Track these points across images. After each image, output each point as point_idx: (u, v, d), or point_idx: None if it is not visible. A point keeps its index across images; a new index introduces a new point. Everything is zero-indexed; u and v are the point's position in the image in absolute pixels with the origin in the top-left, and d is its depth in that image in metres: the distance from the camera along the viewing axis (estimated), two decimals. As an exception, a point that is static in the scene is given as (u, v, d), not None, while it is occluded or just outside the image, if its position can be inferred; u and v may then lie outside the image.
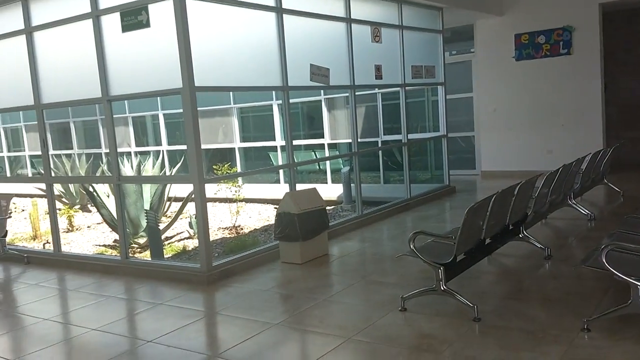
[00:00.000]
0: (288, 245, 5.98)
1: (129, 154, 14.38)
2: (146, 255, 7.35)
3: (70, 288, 5.90)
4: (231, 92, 12.37)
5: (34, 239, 9.29)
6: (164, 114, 14.04)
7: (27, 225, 10.06)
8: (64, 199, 11.39)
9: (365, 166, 11.43)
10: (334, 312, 4.58)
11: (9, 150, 18.23)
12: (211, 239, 8.11)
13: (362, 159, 10.64)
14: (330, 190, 10.92)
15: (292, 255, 5.97)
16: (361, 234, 7.31)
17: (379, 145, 11.35)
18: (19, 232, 9.97)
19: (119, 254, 6.33)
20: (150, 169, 8.96)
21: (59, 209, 10.29)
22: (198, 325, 4.49)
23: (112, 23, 5.76)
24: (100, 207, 7.91)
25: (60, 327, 4.68)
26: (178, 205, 8.76)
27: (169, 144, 14.10)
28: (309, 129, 13.11)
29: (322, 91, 11.59)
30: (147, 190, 8.09)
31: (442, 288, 4.26)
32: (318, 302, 4.76)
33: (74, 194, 11.43)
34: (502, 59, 11.04)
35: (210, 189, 9.70)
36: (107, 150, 15.04)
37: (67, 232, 9.71)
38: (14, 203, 12.97)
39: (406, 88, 8.75)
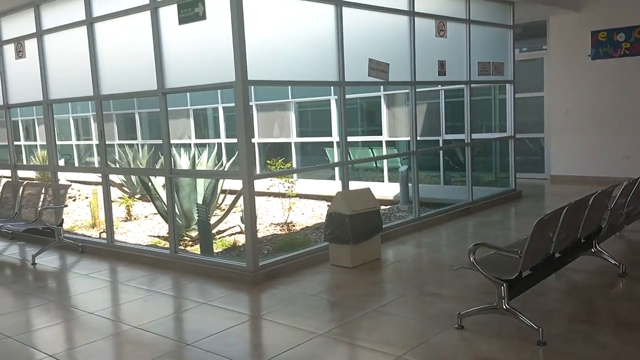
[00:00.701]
0: (338, 248, 5.72)
1: (188, 146, 14.54)
2: (197, 249, 7.29)
3: (119, 280, 5.87)
4: (289, 87, 12.22)
5: (93, 227, 9.46)
6: (223, 107, 14.08)
7: (88, 213, 10.29)
8: (125, 188, 11.59)
9: (425, 165, 11.00)
10: (384, 324, 4.29)
11: (78, 139, 18.87)
12: (262, 235, 8.07)
13: (421, 158, 10.25)
14: (387, 190, 10.58)
15: (342, 258, 5.71)
16: (417, 238, 6.95)
17: (441, 144, 10.89)
18: (79, 219, 10.19)
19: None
20: (205, 162, 8.90)
21: (120, 198, 10.50)
22: (239, 329, 4.30)
23: (169, 15, 5.67)
24: (155, 198, 7.92)
25: (103, 322, 4.60)
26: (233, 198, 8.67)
27: (227, 136, 14.14)
28: (367, 126, 12.78)
29: (381, 87, 11.24)
30: (201, 183, 8.03)
31: (504, 307, 3.89)
32: (367, 313, 4.48)
33: (135, 183, 11.61)
34: (576, 57, 10.32)
35: (264, 184, 9.60)
36: (172, 142, 15.40)
37: (125, 221, 9.85)
38: (78, 190, 13.41)
39: (471, 85, 8.28)
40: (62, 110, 18.43)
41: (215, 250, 7.28)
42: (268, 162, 8.98)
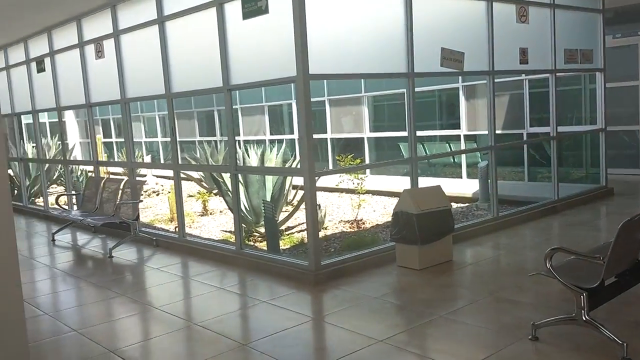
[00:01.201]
0: (405, 248, 5.45)
1: (263, 142, 14.69)
2: (265, 245, 7.27)
3: (187, 275, 5.92)
4: (362, 81, 11.98)
5: (171, 221, 9.72)
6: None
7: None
8: (203, 183, 11.85)
9: (507, 161, 10.40)
10: (452, 333, 3.99)
11: (164, 136, 19.58)
12: (331, 232, 7.92)
13: (504, 153, 9.68)
14: (465, 186, 10.10)
15: (410, 259, 5.44)
16: (495, 239, 6.52)
17: (524, 138, 10.24)
18: (160, 213, 10.50)
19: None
20: (274, 158, 8.86)
21: (199, 193, 10.74)
22: (297, 331, 4.16)
23: (233, 11, 5.63)
24: (225, 194, 7.98)
25: (167, 317, 4.62)
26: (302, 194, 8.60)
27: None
28: (446, 119, 12.30)
29: (459, 78, 10.74)
30: (270, 179, 8.00)
31: (584, 318, 3.49)
32: (434, 319, 4.20)
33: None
34: (679, 41, 9.34)
35: (333, 179, 9.45)
36: (246, 138, 15.68)
37: (201, 215, 10.06)
38: (162, 185, 13.90)
39: (557, 75, 7.68)
40: (150, 107, 19.25)
41: (283, 247, 7.22)
42: (337, 157, 8.79)
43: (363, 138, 12.77)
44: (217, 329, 4.26)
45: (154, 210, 10.96)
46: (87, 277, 5.99)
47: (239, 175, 6.82)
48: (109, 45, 7.59)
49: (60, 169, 12.61)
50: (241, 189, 7.91)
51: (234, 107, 16.24)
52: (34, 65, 9.59)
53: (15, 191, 11.64)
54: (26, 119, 16.81)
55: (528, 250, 6.24)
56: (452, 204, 9.38)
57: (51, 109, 9.39)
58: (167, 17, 6.52)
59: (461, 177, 11.10)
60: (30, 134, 14.40)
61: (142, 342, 4.22)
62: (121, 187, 7.41)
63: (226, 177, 8.29)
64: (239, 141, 15.81)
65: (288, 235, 7.89)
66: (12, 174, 11.94)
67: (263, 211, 7.44)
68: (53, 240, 7.88)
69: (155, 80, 6.80)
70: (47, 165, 11.62)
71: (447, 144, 11.78)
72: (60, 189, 12.69)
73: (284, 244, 7.38)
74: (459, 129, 11.22)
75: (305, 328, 4.26)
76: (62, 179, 12.80)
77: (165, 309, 4.76)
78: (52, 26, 8.74)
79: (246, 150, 9.62)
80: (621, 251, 3.45)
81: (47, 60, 9.11)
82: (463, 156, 11.21)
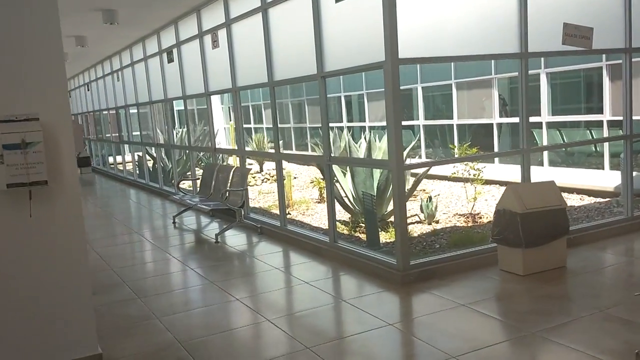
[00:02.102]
0: (507, 251, 4.88)
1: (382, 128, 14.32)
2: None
3: (278, 266, 5.80)
4: (492, 61, 11.08)
5: (287, 208, 9.85)
6: (422, 87, 13.48)
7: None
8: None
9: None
10: (539, 354, 3.46)
11: (296, 123, 20.01)
12: (442, 226, 7.43)
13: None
14: (608, 179, 8.92)
15: (512, 263, 4.86)
16: (625, 243, 5.62)
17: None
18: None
19: (348, 231, 6.02)
20: (384, 146, 8.46)
21: (316, 179, 10.76)
22: (366, 337, 3.88)
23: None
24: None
25: (244, 309, 4.57)
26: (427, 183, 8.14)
27: (426, 118, 13.53)
28: (586, 103, 10.97)
29: (603, 56, 9.46)
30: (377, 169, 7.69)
31: None
32: (523, 336, 3.67)
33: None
34: None
35: (447, 169, 8.84)
36: (371, 124, 15.41)
37: (317, 202, 10.07)
38: (289, 171, 14.23)
39: None
40: (283, 95, 19.78)
41: (387, 241, 6.92)
42: (451, 146, 8.21)
43: (492, 124, 11.88)
44: (285, 327, 4.13)
45: (274, 196, 11.19)
46: (187, 261, 6.17)
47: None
48: (222, 35, 7.78)
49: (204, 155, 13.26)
50: (348, 178, 7.72)
51: (360, 92, 16.12)
52: (165, 55, 10.22)
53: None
54: (177, 106, 18.14)
55: (665, 260, 5.29)
56: (591, 198, 8.40)
57: (177, 97, 9.94)
58: (269, 3, 6.48)
59: (603, 169, 9.84)
60: (182, 121, 15.46)
61: (204, 336, 4.21)
62: (230, 174, 7.60)
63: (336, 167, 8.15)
64: (363, 127, 15.64)
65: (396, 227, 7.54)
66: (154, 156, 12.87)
67: (364, 202, 7.18)
68: (174, 222, 8.36)
69: (260, 69, 6.83)
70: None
71: (589, 131, 10.51)
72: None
73: (389, 237, 7.08)
74: (602, 113, 9.93)
75: (379, 336, 3.95)
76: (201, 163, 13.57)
77: (244, 301, 4.73)
78: (177, 18, 9.19)
79: (352, 137, 9.36)
80: None
81: (175, 51, 9.64)
82: (606, 145, 9.92)
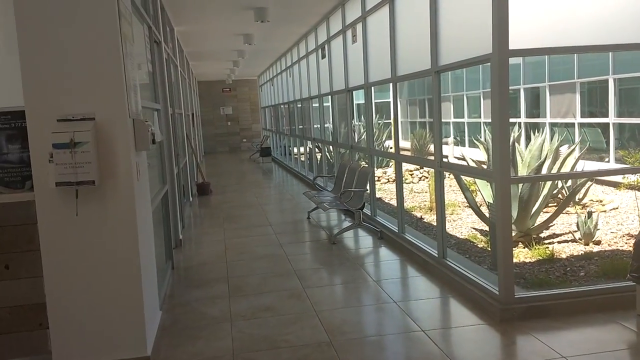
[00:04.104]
0: (647, 294, 3.82)
1: (572, 126, 12.60)
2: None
3: (371, 279, 5.32)
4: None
5: (431, 210, 9.24)
6: (614, 79, 11.55)
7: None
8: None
9: None
10: None
11: (469, 117, 18.83)
12: (600, 249, 6.22)
13: None
14: None
15: (652, 311, 3.79)
16: None
17: None
18: (425, 202, 10.08)
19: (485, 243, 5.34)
20: (545, 145, 7.34)
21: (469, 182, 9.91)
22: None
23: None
24: (465, 189, 7.07)
25: (305, 323, 4.29)
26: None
27: (618, 114, 11.56)
28: None
29: None
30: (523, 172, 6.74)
31: None
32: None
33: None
34: None
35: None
36: (553, 120, 13.70)
37: (467, 206, 9.27)
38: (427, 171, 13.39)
39: None
40: (458, 88, 18.77)
41: (526, 260, 6.01)
42: (622, 153, 6.81)
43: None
44: (335, 353, 3.74)
45: (424, 196, 10.60)
46: (296, 262, 6.00)
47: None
48: (360, 30, 7.49)
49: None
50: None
51: (550, 82, 14.38)
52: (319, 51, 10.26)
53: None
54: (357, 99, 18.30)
55: None
56: None
57: (323, 93, 9.88)
58: (395, -6, 6.01)
59: None
60: (360, 114, 15.45)
61: (263, 350, 3.98)
62: (356, 173, 7.31)
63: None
64: (539, 124, 14.00)
65: (547, 244, 6.54)
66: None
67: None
68: (308, 217, 8.37)
69: (385, 63, 6.40)
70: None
71: None
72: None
73: (530, 256, 6.15)
74: None
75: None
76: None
77: (320, 315, 4.40)
78: (329, 12, 9.13)
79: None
80: None
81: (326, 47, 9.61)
82: None
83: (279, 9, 8.51)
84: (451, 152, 16.13)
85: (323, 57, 9.99)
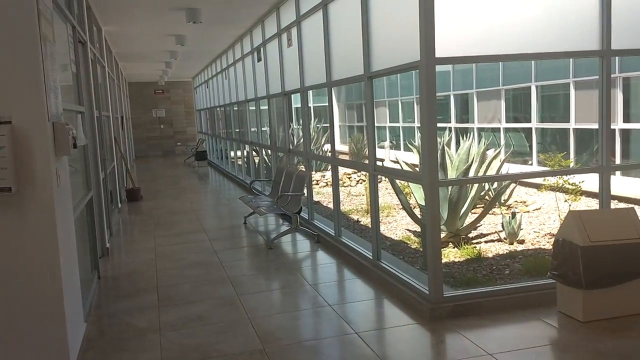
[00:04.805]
0: (566, 290, 4.02)
1: (497, 131, 13.12)
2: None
3: (306, 283, 5.32)
4: (617, 57, 9.59)
5: (367, 213, 9.35)
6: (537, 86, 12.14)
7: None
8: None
9: None
10: None
11: (404, 122, 19.24)
12: (524, 247, 6.50)
13: None
14: None
15: (572, 306, 3.99)
16: None
17: None
18: (362, 205, 10.21)
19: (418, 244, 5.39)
20: (472, 149, 7.61)
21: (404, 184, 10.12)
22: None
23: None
24: (399, 192, 7.22)
25: (237, 332, 4.25)
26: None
27: (540, 120, 12.17)
28: None
29: None
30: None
31: None
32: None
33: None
34: None
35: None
36: (480, 125, 14.25)
37: (402, 208, 9.45)
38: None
39: None
40: (393, 93, 19.15)
41: (455, 259, 6.19)
42: (542, 156, 7.17)
43: (615, 130, 10.34)
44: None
45: (362, 199, 10.73)
46: (230, 268, 5.89)
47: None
48: (295, 33, 7.49)
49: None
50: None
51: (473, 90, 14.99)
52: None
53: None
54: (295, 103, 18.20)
55: None
56: None
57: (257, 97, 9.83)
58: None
59: None
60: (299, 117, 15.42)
61: None
62: (293, 178, 7.31)
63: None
64: (468, 129, 14.51)
65: (474, 243, 6.75)
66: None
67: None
68: (245, 223, 8.28)
69: (321, 68, 6.43)
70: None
71: None
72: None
73: (460, 256, 6.34)
74: None
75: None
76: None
77: (254, 321, 4.34)
78: (264, 15, 9.08)
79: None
80: None
81: (262, 50, 9.56)
82: None
83: (212, 11, 8.39)
84: (387, 155, 16.43)
85: (259, 60, 9.93)
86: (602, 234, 3.89)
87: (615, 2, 4.23)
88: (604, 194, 4.47)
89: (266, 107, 10.54)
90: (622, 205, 7.86)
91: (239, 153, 13.84)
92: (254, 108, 10.93)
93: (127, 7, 8.12)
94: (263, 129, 11.25)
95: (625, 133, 10.32)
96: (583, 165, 9.14)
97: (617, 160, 10.19)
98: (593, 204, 8.18)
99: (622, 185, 9.04)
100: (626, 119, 10.33)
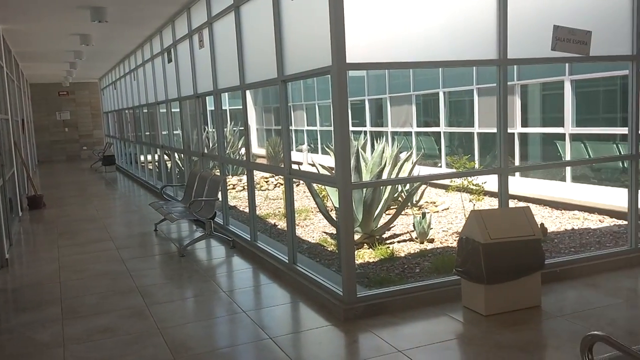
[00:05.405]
0: (470, 286, 4.23)
1: (409, 134, 13.59)
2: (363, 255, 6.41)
3: (220, 290, 5.22)
4: (515, 67, 10.25)
5: (285, 217, 9.34)
6: (445, 92, 12.72)
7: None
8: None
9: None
10: None
11: (321, 126, 19.49)
12: (433, 246, 6.76)
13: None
14: None
15: (474, 300, 4.21)
16: (622, 280, 4.86)
17: None
18: (280, 209, 10.18)
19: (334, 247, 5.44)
20: (385, 153, 7.83)
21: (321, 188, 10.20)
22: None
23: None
24: (315, 195, 7.30)
25: (154, 341, 4.12)
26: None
27: (449, 124, 12.75)
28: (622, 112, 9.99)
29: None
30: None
31: None
32: (452, 398, 3.05)
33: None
34: None
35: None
36: (394, 129, 14.73)
37: (319, 211, 9.52)
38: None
39: None
40: (310, 97, 19.32)
41: (371, 260, 6.33)
42: (448, 159, 7.52)
43: (513, 134, 11.02)
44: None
45: (280, 203, 10.71)
46: (140, 277, 5.69)
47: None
48: (207, 35, 7.38)
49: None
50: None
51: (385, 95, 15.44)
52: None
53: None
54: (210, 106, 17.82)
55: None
56: (613, 220, 7.52)
57: (173, 99, 9.60)
58: (240, 0, 6.01)
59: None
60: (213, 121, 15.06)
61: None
62: (207, 183, 7.18)
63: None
64: (382, 133, 14.92)
65: (389, 244, 6.93)
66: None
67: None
68: (155, 230, 8.02)
69: (234, 70, 6.38)
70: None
71: (615, 145, 9.54)
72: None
73: (374, 256, 6.49)
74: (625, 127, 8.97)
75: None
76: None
77: (164, 332, 4.23)
78: (174, 16, 8.87)
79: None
80: None
81: (173, 51, 9.33)
82: None
83: (118, 10, 8.07)
84: (305, 159, 16.54)
85: (169, 61, 9.68)
86: (501, 232, 4.13)
87: (511, 14, 4.52)
88: (502, 193, 4.75)
89: (178, 110, 10.29)
90: (521, 204, 8.39)
91: (149, 157, 13.40)
92: (164, 110, 10.64)
93: (28, 4, 7.64)
94: (175, 132, 10.98)
95: (523, 137, 11.02)
96: (485, 167, 9.67)
97: (517, 162, 10.86)
98: (495, 204, 8.65)
99: (521, 185, 9.64)
100: (524, 124, 11.03)
